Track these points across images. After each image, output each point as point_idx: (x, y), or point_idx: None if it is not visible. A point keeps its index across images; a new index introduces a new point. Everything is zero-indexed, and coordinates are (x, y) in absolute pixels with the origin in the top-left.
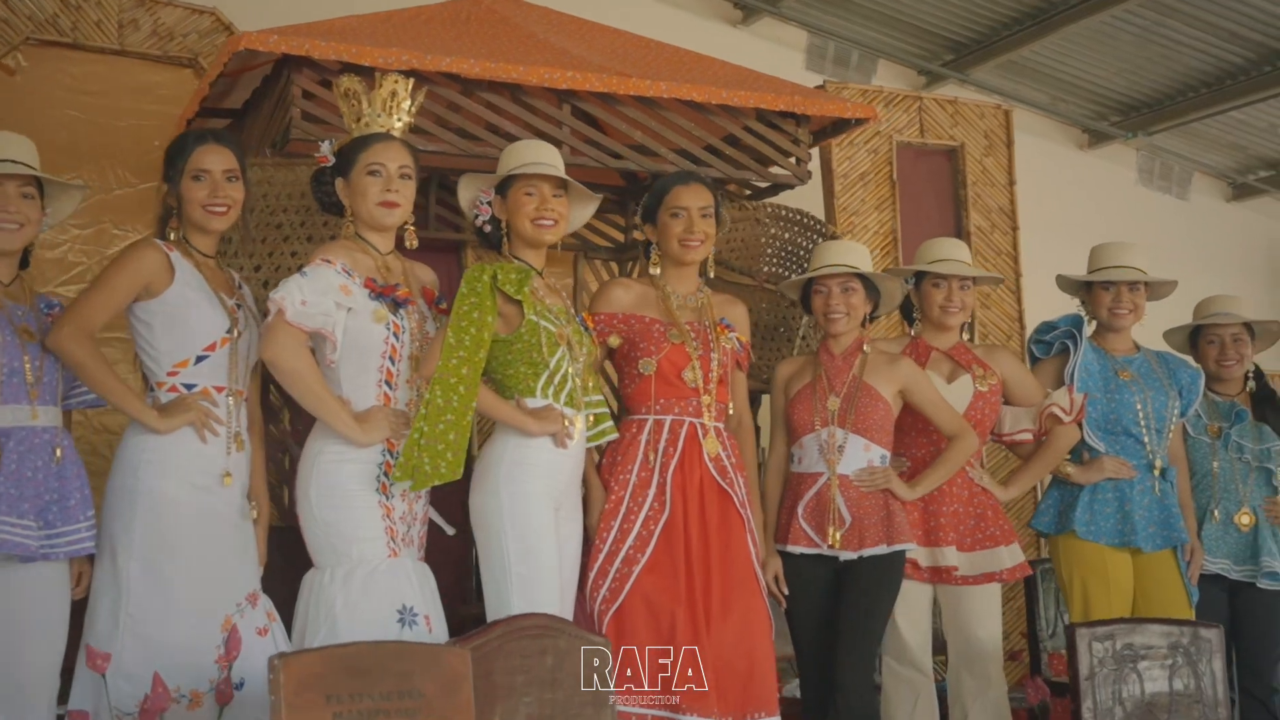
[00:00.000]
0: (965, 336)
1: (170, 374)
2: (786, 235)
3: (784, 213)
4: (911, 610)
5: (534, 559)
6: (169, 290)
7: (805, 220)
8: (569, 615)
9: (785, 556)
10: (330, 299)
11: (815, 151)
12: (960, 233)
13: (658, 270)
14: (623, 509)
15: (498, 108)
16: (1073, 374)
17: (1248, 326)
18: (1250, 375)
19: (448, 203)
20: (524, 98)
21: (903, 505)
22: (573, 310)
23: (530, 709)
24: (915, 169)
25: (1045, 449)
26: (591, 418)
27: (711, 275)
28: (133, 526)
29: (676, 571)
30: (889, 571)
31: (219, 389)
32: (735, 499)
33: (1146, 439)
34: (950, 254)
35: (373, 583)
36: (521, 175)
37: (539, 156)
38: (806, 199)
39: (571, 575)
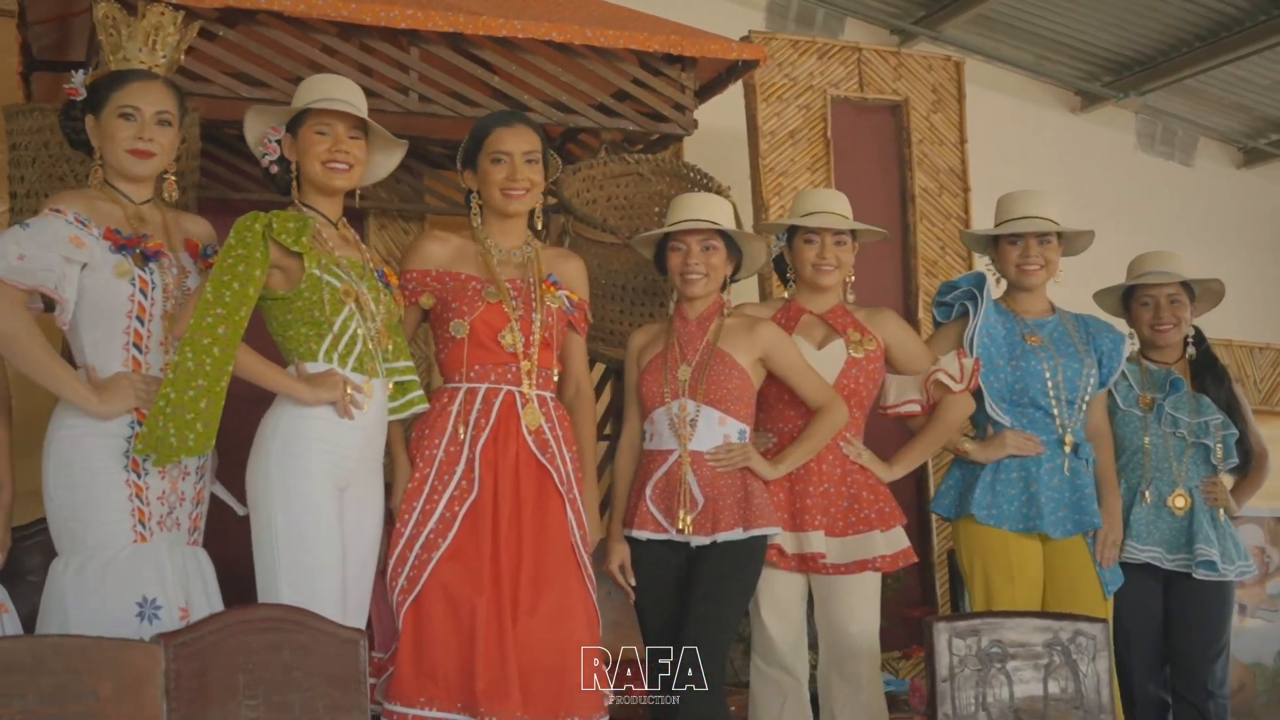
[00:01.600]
0: (851, 298)
1: None
2: (673, 192)
3: (669, 167)
4: (779, 604)
5: (308, 545)
6: None
7: (694, 175)
8: (360, 609)
9: (632, 543)
10: (56, 252)
11: (740, 107)
12: (905, 195)
13: (479, 222)
14: (426, 488)
15: (346, 55)
16: (972, 339)
17: (1186, 286)
18: (1190, 340)
19: None
20: (368, 40)
21: (765, 485)
22: (370, 265)
23: (256, 713)
24: (854, 126)
25: (934, 422)
26: (393, 386)
27: (540, 227)
28: None
29: (481, 558)
30: (745, 559)
31: None
32: (556, 477)
33: (1056, 411)
34: (825, 206)
35: (110, 572)
36: (314, 112)
37: (335, 92)
38: (730, 158)
39: (365, 564)
